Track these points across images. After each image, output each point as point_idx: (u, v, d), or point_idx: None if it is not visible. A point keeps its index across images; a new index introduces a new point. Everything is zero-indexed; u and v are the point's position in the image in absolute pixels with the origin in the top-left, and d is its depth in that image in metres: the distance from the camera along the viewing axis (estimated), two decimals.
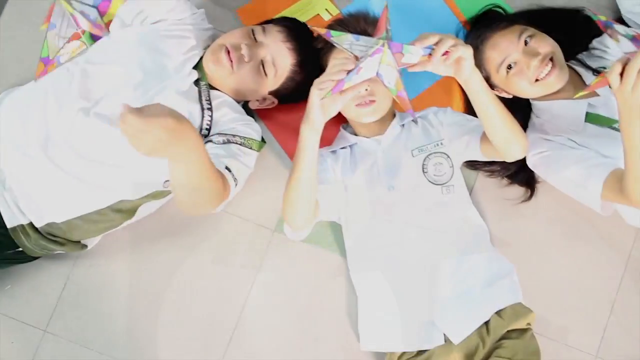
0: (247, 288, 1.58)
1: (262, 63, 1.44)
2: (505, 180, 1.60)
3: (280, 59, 1.44)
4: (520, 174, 1.57)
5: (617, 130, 1.40)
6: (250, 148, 1.41)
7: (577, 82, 1.49)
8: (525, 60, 1.40)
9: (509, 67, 1.42)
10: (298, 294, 1.58)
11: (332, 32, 1.18)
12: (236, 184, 1.31)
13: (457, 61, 1.17)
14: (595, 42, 1.55)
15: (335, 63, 1.36)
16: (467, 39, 1.56)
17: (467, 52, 1.16)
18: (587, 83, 1.47)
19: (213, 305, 1.57)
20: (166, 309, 1.56)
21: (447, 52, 1.15)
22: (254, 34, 1.45)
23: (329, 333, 1.57)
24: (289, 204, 1.31)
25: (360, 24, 1.44)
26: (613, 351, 1.55)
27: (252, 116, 1.52)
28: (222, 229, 1.60)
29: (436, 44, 1.15)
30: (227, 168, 1.29)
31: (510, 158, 1.36)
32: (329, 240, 1.59)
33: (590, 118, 1.45)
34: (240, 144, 1.38)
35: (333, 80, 1.15)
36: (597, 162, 1.34)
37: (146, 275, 1.58)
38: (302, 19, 1.66)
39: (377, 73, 1.16)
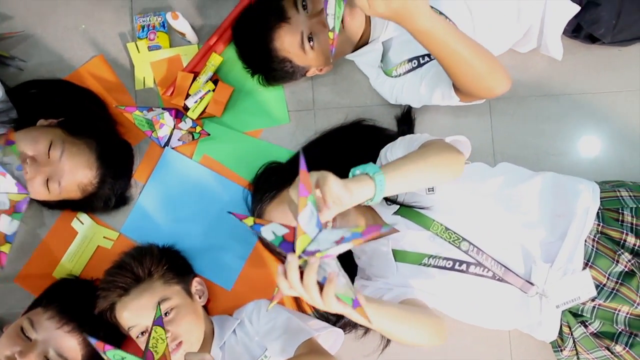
0: None
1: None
2: (360, 331, 1.48)
3: (65, 348, 1.31)
4: None
5: (427, 265, 1.30)
6: None
7: (375, 218, 1.37)
8: None
9: None
10: None
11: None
12: None
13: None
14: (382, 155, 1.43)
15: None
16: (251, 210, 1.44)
17: None
18: (382, 217, 1.36)
19: None
20: None
21: None
22: (24, 333, 1.30)
23: None
24: None
25: (130, 273, 1.32)
26: None
27: None
28: None
29: None
30: None
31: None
32: None
33: (399, 257, 1.33)
34: None
35: None
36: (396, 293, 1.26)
37: None
38: (85, 257, 1.52)
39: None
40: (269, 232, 0.93)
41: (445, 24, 1.12)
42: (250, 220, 0.94)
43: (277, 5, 1.35)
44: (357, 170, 1.04)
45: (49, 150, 1.30)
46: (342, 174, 1.42)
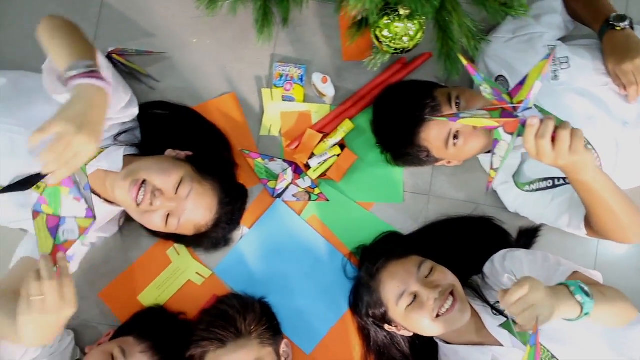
0: None
1: None
2: None
3: None
4: None
5: None
6: None
7: (478, 324, 1.37)
8: (425, 293, 1.28)
9: (414, 297, 1.29)
10: None
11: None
12: None
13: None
14: (486, 270, 1.43)
15: None
16: (362, 268, 1.44)
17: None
18: (486, 325, 1.35)
19: None
20: None
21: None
22: None
23: None
24: None
25: (233, 327, 1.32)
26: None
27: None
28: None
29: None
30: None
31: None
32: None
33: None
34: None
35: None
36: None
37: None
38: (174, 288, 1.51)
39: None
40: None
41: (604, 178, 1.17)
42: None
43: (431, 96, 1.36)
44: (578, 295, 1.09)
45: (177, 186, 1.29)
46: (452, 258, 1.44)
